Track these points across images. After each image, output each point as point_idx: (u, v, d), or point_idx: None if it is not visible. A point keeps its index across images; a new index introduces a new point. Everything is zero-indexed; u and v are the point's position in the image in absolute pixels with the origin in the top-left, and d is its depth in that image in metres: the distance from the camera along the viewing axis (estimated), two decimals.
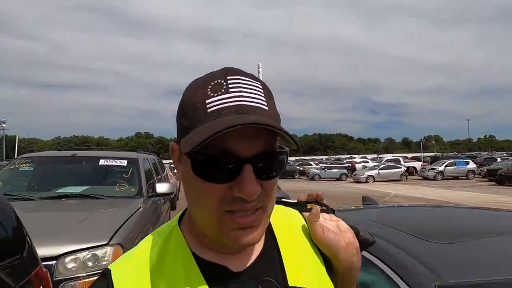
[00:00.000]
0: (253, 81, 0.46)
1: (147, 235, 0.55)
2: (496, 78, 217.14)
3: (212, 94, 0.43)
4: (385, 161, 30.59)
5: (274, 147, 0.45)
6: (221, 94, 0.43)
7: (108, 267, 0.48)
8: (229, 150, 0.41)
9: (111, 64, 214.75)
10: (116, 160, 3.55)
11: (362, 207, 2.17)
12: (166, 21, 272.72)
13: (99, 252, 2.07)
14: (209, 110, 0.42)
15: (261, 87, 0.46)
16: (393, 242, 1.21)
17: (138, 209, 2.85)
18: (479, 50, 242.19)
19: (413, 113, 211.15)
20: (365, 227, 0.69)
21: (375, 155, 63.55)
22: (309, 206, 0.61)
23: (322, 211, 0.60)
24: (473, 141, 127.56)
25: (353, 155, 64.42)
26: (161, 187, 3.46)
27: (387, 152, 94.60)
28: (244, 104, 0.42)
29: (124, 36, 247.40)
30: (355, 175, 23.88)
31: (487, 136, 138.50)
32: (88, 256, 2.03)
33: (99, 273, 0.86)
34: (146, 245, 0.51)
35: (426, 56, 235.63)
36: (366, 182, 21.88)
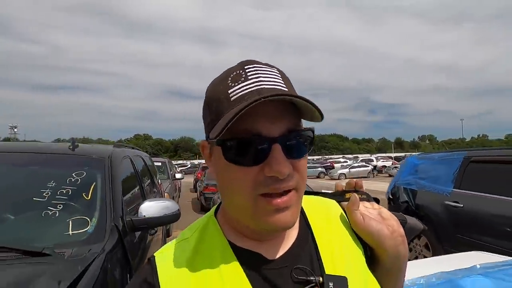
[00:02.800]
0: (270, 67, 0.48)
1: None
2: (493, 78, 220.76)
3: (232, 85, 0.45)
4: (360, 160, 36.48)
5: (299, 125, 0.47)
6: (241, 83, 0.45)
7: (154, 254, 0.51)
8: (256, 131, 0.43)
9: (110, 65, 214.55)
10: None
11: None
12: (165, 22, 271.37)
13: None
14: (232, 99, 0.44)
15: (278, 72, 0.48)
16: None
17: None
18: (477, 50, 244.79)
19: (411, 113, 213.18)
20: None
21: (368, 155, 63.84)
22: (347, 195, 0.60)
23: (362, 199, 0.58)
24: (466, 140, 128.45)
25: (346, 155, 67.13)
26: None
27: (380, 151, 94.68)
28: (265, 87, 0.44)
29: (123, 37, 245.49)
30: (330, 173, 28.38)
31: (480, 136, 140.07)
32: None
33: None
34: (186, 234, 0.53)
35: (425, 56, 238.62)
36: (338, 179, 24.93)
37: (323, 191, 0.64)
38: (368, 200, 0.60)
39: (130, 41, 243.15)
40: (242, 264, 0.47)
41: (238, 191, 0.45)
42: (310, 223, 0.55)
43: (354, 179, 0.63)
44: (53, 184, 1.62)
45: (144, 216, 1.78)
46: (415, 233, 0.70)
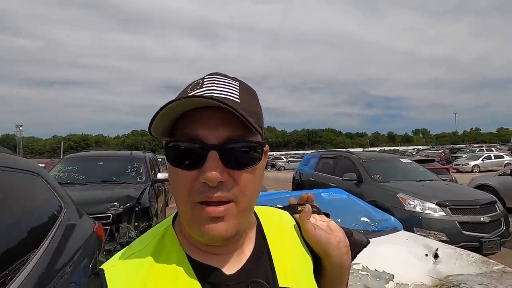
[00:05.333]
0: (229, 79, 0.48)
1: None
2: (489, 71, 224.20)
3: (189, 92, 0.45)
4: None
5: (244, 137, 0.44)
6: (196, 90, 0.45)
7: (101, 267, 0.48)
8: (196, 137, 0.43)
9: (106, 59, 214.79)
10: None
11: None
12: (162, 15, 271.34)
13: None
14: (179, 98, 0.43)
15: (237, 84, 0.48)
16: None
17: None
18: (474, 43, 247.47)
19: (407, 107, 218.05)
20: None
21: (360, 149, 67.51)
22: (300, 208, 0.63)
23: (313, 212, 0.61)
24: (459, 134, 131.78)
25: (339, 150, 67.39)
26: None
27: (373, 145, 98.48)
28: (214, 95, 0.43)
29: (119, 30, 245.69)
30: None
31: (473, 129, 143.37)
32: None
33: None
34: (140, 245, 0.50)
35: (423, 49, 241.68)
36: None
37: (278, 206, 0.67)
38: (318, 213, 0.63)
39: (126, 35, 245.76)
40: (200, 280, 0.46)
41: (179, 195, 0.45)
42: (266, 234, 0.56)
43: (307, 194, 0.66)
44: (129, 167, 5.20)
45: (158, 177, 5.33)
46: (359, 246, 0.66)
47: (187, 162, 0.44)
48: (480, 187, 8.02)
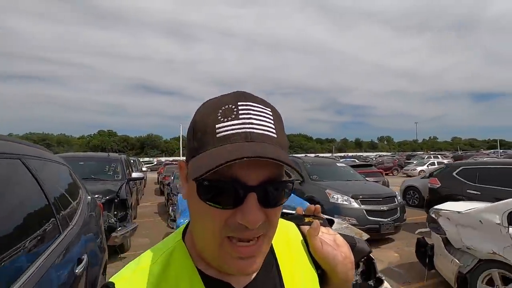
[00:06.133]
0: (264, 107, 0.46)
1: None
2: (446, 85, 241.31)
3: (222, 119, 0.43)
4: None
5: (280, 176, 0.45)
6: (231, 120, 0.43)
7: (111, 279, 0.48)
8: (235, 177, 0.41)
9: (72, 55, 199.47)
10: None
11: None
12: (135, 13, 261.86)
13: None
14: (218, 136, 0.42)
15: (271, 113, 0.46)
16: None
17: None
18: (434, 58, 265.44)
19: (373, 115, 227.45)
20: None
21: (329, 154, 70.78)
22: (307, 219, 0.62)
23: (320, 224, 0.60)
24: (419, 142, 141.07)
25: (308, 155, 70.61)
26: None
27: (341, 151, 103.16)
28: (253, 132, 0.42)
29: (87, 25, 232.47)
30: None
31: (431, 138, 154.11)
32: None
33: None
34: (150, 258, 0.50)
35: (390, 61, 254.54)
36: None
37: (284, 211, 0.66)
38: (325, 225, 0.63)
39: (95, 30, 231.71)
40: None
41: (206, 229, 0.44)
42: (274, 248, 0.56)
43: (313, 206, 0.65)
44: (107, 167, 6.10)
45: (132, 176, 6.27)
46: (362, 255, 0.71)
47: (225, 201, 0.42)
48: (408, 187, 9.82)
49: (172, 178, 9.86)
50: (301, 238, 0.61)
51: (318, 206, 0.65)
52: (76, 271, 1.57)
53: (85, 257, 1.77)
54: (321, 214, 0.65)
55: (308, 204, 0.64)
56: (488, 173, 5.73)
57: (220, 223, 0.43)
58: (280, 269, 0.54)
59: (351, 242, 0.65)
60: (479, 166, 6.05)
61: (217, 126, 0.43)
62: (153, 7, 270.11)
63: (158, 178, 19.41)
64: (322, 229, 0.61)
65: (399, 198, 5.99)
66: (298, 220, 0.63)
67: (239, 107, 0.44)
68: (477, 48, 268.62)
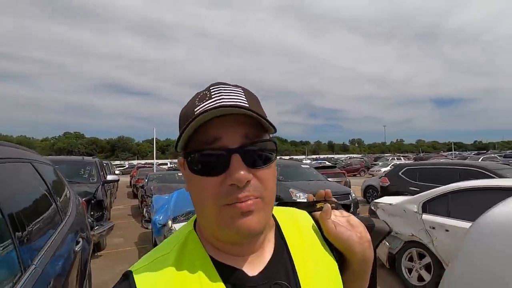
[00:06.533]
0: (234, 87, 0.50)
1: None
2: (412, 91, 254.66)
3: (198, 104, 0.47)
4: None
5: (258, 136, 0.47)
6: (206, 101, 0.47)
7: (130, 268, 0.50)
8: (215, 141, 0.45)
9: (33, 51, 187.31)
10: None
11: None
12: (105, 9, 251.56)
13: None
14: (195, 114, 0.45)
15: (242, 91, 0.49)
16: None
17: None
18: (400, 65, 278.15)
19: (345, 118, 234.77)
20: None
21: (303, 156, 72.70)
22: (318, 205, 0.62)
23: (332, 208, 0.60)
24: (387, 144, 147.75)
25: (283, 157, 71.90)
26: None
27: (314, 153, 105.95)
28: (224, 104, 0.45)
29: (50, 20, 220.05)
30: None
31: (398, 140, 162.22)
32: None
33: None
34: (165, 248, 0.53)
35: (360, 66, 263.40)
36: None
37: (297, 200, 0.66)
38: (337, 208, 0.63)
39: (60, 26, 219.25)
40: (224, 281, 0.48)
41: (205, 203, 0.47)
42: (285, 236, 0.57)
43: (324, 190, 0.66)
44: (82, 170, 6.36)
45: (107, 178, 6.56)
46: (382, 236, 0.68)
47: (212, 168, 0.45)
48: (368, 186, 10.77)
49: (146, 180, 10.02)
50: (312, 223, 0.61)
51: (328, 190, 0.67)
52: (76, 249, 2.02)
53: (80, 240, 2.22)
54: (333, 198, 0.66)
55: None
56: (426, 173, 6.66)
57: (214, 192, 0.46)
58: (292, 255, 0.54)
59: (369, 223, 0.65)
60: (419, 167, 7.00)
61: (195, 109, 0.47)
62: (124, 5, 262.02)
63: (130, 181, 19.25)
64: (335, 212, 0.62)
65: (353, 195, 6.76)
66: (310, 207, 0.64)
67: (211, 90, 0.49)
68: (439, 57, 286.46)
